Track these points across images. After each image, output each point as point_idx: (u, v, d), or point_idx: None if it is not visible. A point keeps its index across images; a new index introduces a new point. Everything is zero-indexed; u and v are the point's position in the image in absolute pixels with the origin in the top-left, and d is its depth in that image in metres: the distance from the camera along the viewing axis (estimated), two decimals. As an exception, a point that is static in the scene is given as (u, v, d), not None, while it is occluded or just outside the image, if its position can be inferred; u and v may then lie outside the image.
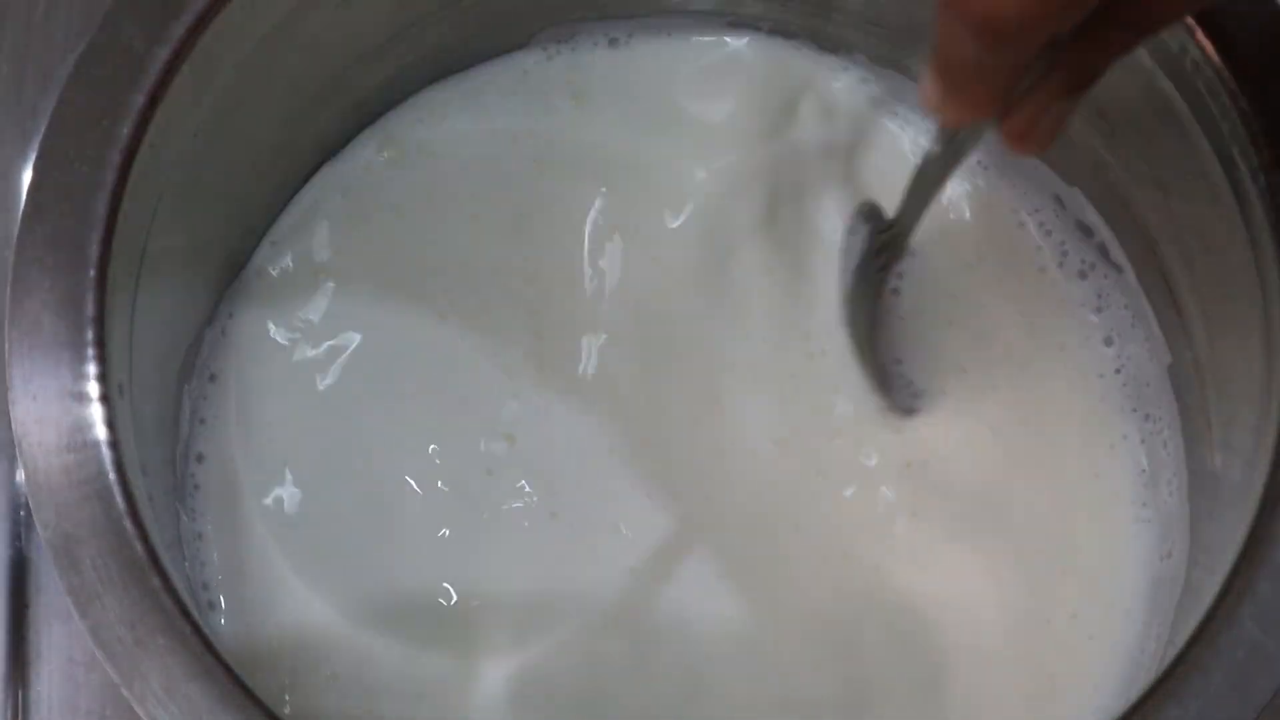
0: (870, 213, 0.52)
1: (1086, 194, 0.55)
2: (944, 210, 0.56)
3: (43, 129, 0.46)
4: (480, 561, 0.53)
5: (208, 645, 0.42)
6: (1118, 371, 0.55)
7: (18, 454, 0.43)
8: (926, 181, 0.49)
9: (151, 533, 0.43)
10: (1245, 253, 0.46)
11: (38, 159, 0.45)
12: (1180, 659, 0.41)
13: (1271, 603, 0.41)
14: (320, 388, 0.54)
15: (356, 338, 0.55)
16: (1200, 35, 0.45)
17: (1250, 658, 0.41)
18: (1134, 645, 0.52)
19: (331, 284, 0.56)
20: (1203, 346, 0.51)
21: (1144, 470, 0.54)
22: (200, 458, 0.54)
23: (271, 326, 0.55)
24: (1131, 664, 0.51)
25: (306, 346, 0.55)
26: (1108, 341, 0.55)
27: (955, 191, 0.56)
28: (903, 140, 0.57)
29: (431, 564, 0.53)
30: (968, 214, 0.56)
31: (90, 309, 0.44)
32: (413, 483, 0.53)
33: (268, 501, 0.53)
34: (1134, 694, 0.50)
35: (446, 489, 0.53)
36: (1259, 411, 0.45)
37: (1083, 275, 0.56)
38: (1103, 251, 0.55)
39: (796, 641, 0.52)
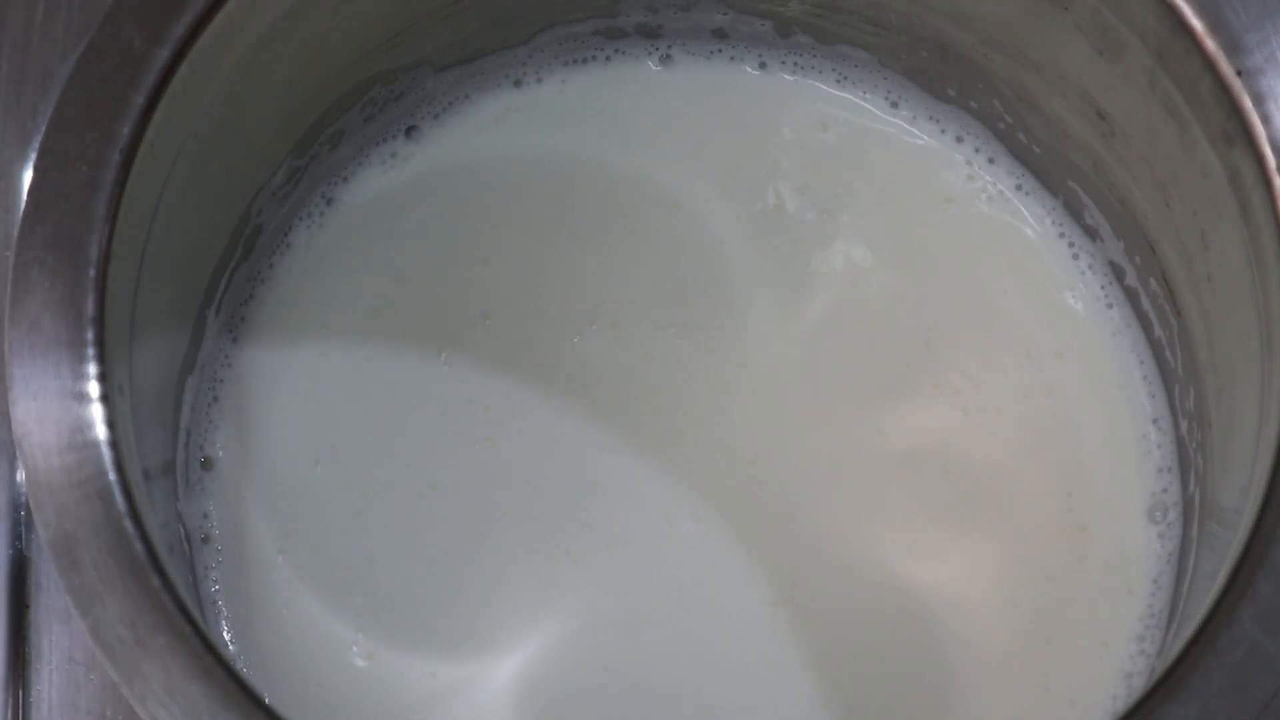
0: None
1: (1087, 194, 0.55)
2: (949, 210, 0.56)
3: (43, 129, 0.46)
4: (483, 565, 0.53)
5: (208, 645, 0.42)
6: (1119, 373, 0.55)
7: (18, 454, 0.43)
8: None
9: (151, 533, 0.43)
10: (1245, 252, 0.46)
11: (38, 159, 0.45)
12: (1180, 659, 0.41)
13: (1271, 603, 0.41)
14: (324, 388, 0.54)
15: (362, 337, 0.55)
16: (1202, 34, 0.45)
17: (1250, 658, 0.41)
18: (1135, 644, 0.52)
19: (335, 285, 0.56)
20: (1202, 347, 0.51)
21: (1144, 469, 0.53)
22: (201, 458, 0.54)
23: (275, 326, 0.55)
24: (1132, 663, 0.51)
25: (310, 346, 0.55)
26: (1108, 342, 0.55)
27: (960, 191, 0.56)
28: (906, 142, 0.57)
29: (435, 568, 0.53)
30: (973, 216, 0.56)
31: (90, 309, 0.44)
32: (417, 486, 0.53)
33: (269, 502, 0.53)
34: (1134, 694, 0.50)
35: (450, 492, 0.53)
36: (1259, 412, 0.45)
37: (1083, 275, 0.56)
38: (1103, 252, 0.56)
39: (797, 638, 0.52)
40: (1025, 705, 0.51)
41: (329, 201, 0.57)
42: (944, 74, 0.56)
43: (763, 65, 0.58)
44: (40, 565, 0.54)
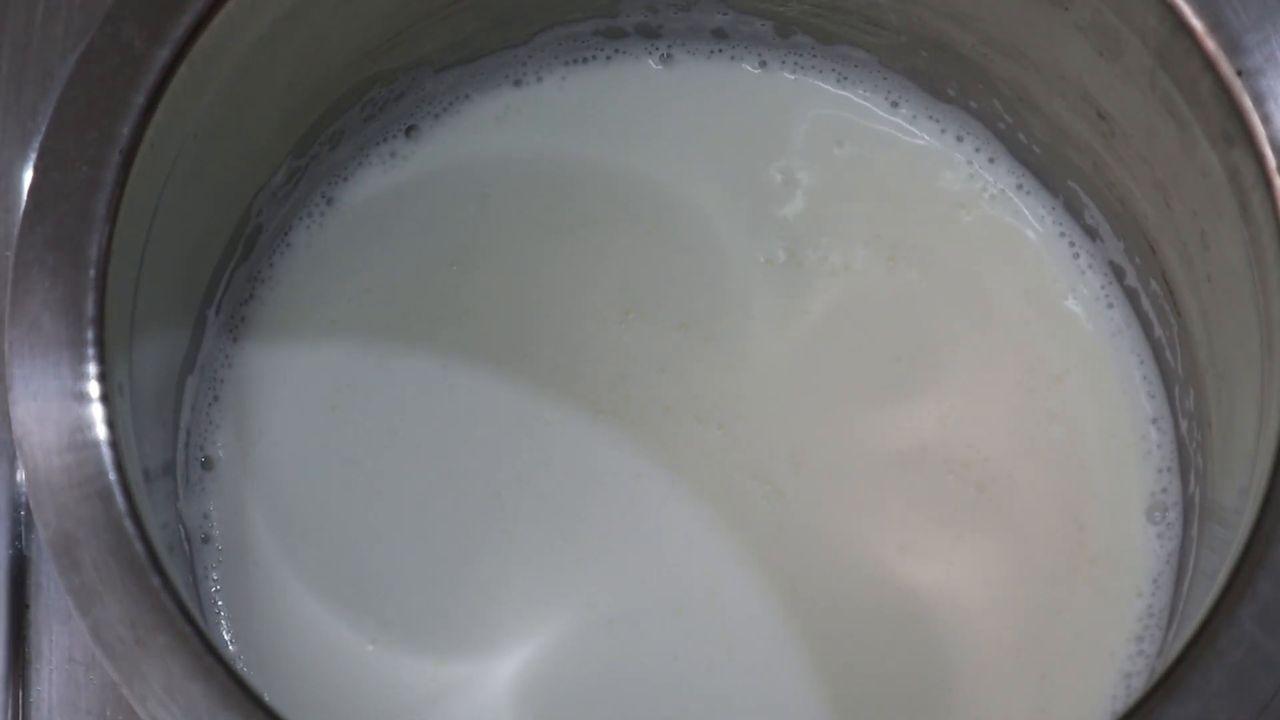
0: None
1: (1087, 194, 0.55)
2: (951, 212, 0.56)
3: (43, 129, 0.46)
4: (484, 564, 0.53)
5: (208, 645, 0.42)
6: (1119, 373, 0.55)
7: (18, 454, 0.43)
8: None
9: (151, 533, 0.43)
10: (1245, 252, 0.46)
11: (38, 159, 0.45)
12: (1180, 659, 0.41)
13: (1271, 603, 0.41)
14: (324, 388, 0.54)
15: (362, 337, 0.55)
16: (1202, 34, 0.45)
17: (1250, 658, 0.41)
18: (1135, 644, 0.52)
19: (335, 285, 0.56)
20: (1202, 347, 0.51)
21: (1144, 469, 0.53)
22: (201, 458, 0.54)
23: (275, 326, 0.55)
24: (1132, 663, 0.51)
25: (311, 346, 0.55)
26: (1108, 342, 0.55)
27: (960, 191, 0.56)
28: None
29: (436, 567, 0.53)
30: (974, 216, 0.56)
31: (90, 309, 0.44)
32: (417, 486, 0.53)
33: (269, 502, 0.53)
34: (1134, 694, 0.50)
35: (450, 492, 0.53)
36: (1259, 412, 0.45)
37: (1083, 275, 0.56)
38: (1103, 252, 0.56)
39: (797, 638, 0.52)
40: (1025, 705, 0.51)
41: (329, 201, 0.57)
42: (944, 74, 0.56)
43: (763, 64, 0.58)
44: (40, 565, 0.54)
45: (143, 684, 0.41)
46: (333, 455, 0.54)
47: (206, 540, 0.53)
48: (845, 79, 0.57)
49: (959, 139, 0.57)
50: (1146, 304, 0.54)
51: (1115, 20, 0.47)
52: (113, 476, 0.43)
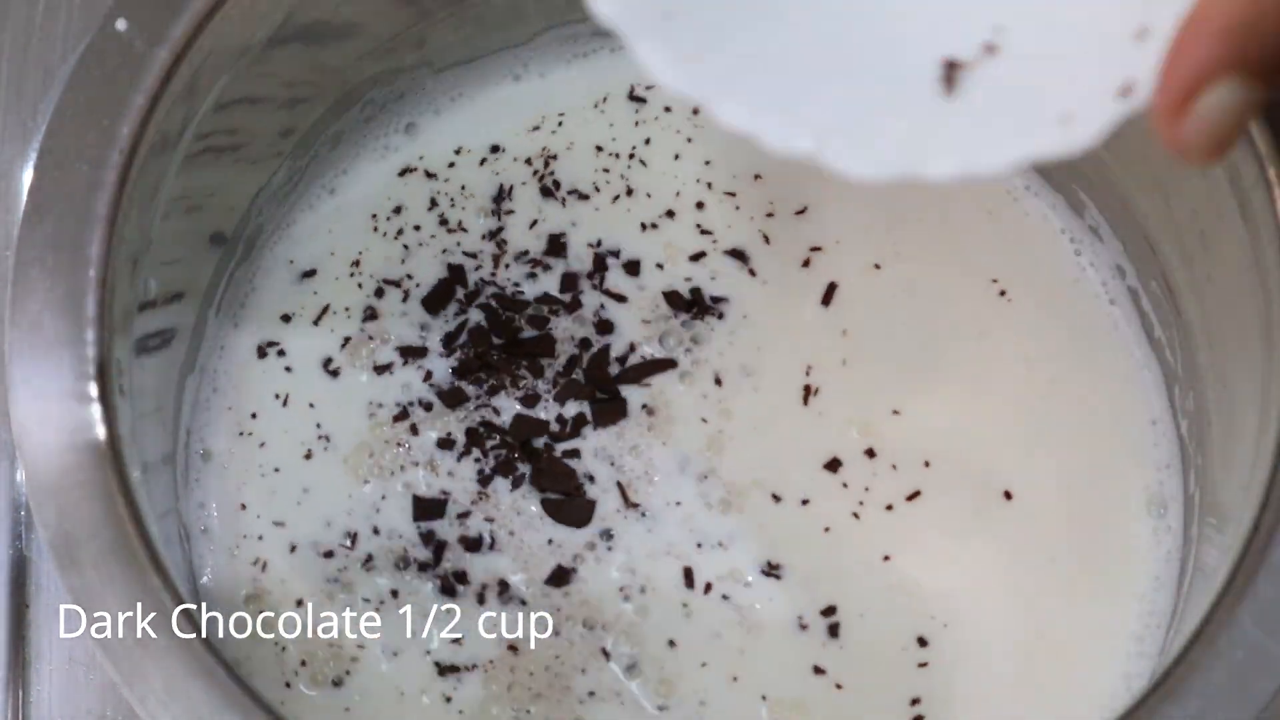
0: None
1: (1088, 194, 0.55)
2: (952, 209, 0.56)
3: (43, 129, 0.46)
4: (485, 565, 0.53)
5: (208, 645, 0.42)
6: (1120, 373, 0.55)
7: (18, 454, 0.44)
8: None
9: (152, 532, 0.43)
10: (1245, 253, 0.46)
11: (38, 159, 0.45)
12: (1180, 659, 0.41)
13: (1271, 603, 0.41)
14: (324, 387, 0.54)
15: (359, 337, 0.55)
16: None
17: (1250, 658, 0.41)
18: (1135, 644, 0.52)
19: (332, 286, 0.56)
20: (1203, 347, 0.51)
21: (1144, 468, 0.53)
22: (202, 457, 0.54)
23: (273, 325, 0.55)
24: (1132, 663, 0.51)
25: (309, 345, 0.55)
26: (1108, 341, 0.55)
27: (964, 189, 0.56)
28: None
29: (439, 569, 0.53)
30: (976, 214, 0.56)
31: (90, 309, 0.44)
32: (417, 485, 0.53)
33: (267, 498, 0.53)
34: (1134, 694, 0.50)
35: (452, 495, 0.54)
36: (1259, 412, 0.45)
37: (1084, 274, 0.56)
38: (1104, 251, 0.55)
39: (795, 635, 0.52)
40: (1024, 704, 0.51)
41: (328, 203, 0.57)
42: (944, 74, 0.56)
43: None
44: (40, 565, 0.54)
45: (143, 684, 0.41)
46: (332, 453, 0.54)
47: (205, 532, 0.53)
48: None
49: (959, 139, 0.57)
50: (1147, 304, 0.54)
51: (1115, 20, 0.47)
52: (113, 477, 0.43)
